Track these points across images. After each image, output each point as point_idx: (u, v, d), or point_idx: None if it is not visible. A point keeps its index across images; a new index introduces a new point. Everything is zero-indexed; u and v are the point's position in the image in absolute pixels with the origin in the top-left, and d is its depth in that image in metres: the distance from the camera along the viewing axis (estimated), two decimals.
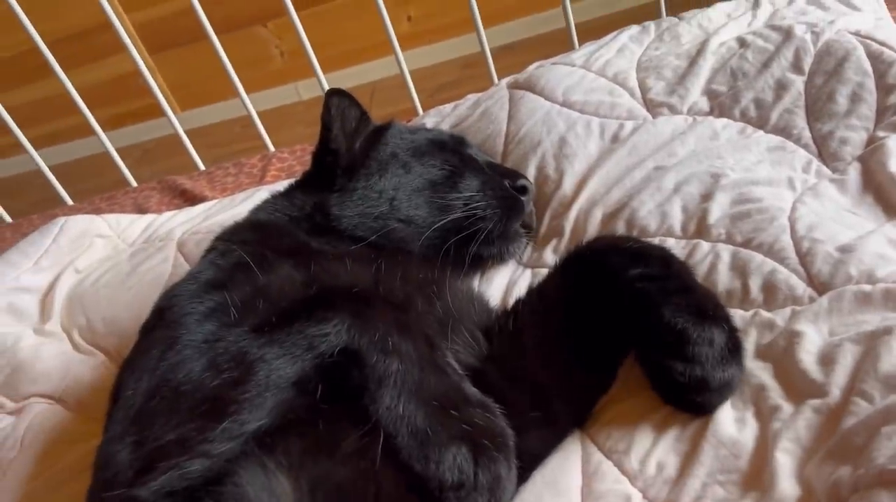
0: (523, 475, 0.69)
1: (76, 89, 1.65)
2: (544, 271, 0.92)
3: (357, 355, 0.66)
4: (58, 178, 1.77)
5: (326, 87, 1.32)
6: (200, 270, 0.84)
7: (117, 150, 1.74)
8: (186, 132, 1.74)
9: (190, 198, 1.42)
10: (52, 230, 1.29)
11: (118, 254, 1.22)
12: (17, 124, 1.69)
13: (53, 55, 1.60)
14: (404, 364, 0.66)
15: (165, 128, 3.34)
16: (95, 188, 1.81)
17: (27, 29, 1.57)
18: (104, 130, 1.72)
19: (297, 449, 0.63)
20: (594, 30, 1.42)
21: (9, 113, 1.68)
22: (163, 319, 0.77)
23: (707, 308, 0.69)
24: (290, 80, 3.20)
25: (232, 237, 0.91)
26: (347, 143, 0.97)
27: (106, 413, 0.79)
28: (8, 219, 1.75)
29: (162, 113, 1.71)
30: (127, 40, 1.59)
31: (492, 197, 0.94)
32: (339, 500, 0.63)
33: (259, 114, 1.68)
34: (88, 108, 1.68)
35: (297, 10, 1.57)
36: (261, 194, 1.17)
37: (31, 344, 1.08)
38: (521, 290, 0.91)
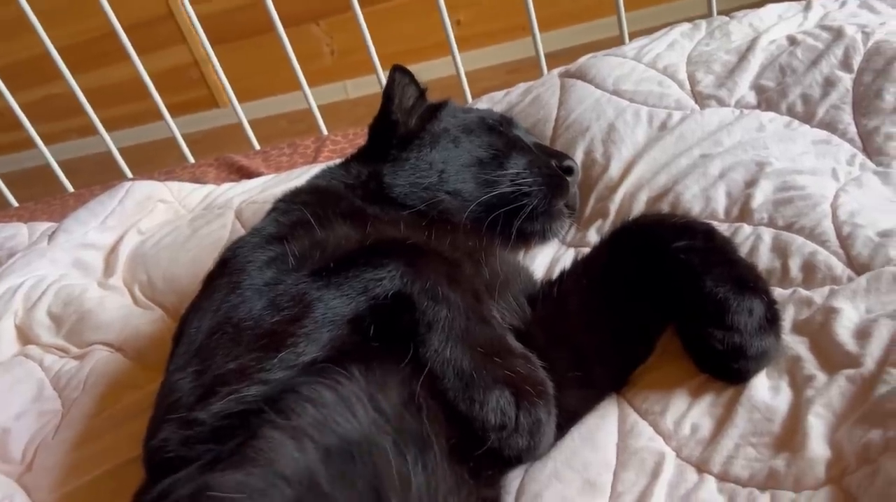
0: (561, 430, 0.72)
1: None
2: (587, 251, 0.95)
3: (409, 300, 0.70)
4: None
5: (381, 82, 1.35)
6: (263, 226, 0.89)
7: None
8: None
9: (246, 174, 1.47)
10: (119, 193, 1.36)
11: (179, 219, 1.28)
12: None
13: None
14: (452, 312, 0.70)
15: (207, 122, 3.44)
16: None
17: (107, 13, 1.62)
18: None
19: (356, 370, 0.67)
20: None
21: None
22: (226, 268, 0.82)
23: (748, 279, 0.71)
24: (339, 78, 3.27)
25: (293, 199, 0.96)
26: (404, 117, 1.02)
27: (169, 353, 0.84)
28: (71, 189, 1.83)
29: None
30: (200, 30, 1.65)
31: (538, 174, 0.97)
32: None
33: (307, 110, 1.71)
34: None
35: (346, 10, 1.61)
36: (316, 170, 1.22)
37: (96, 295, 1.14)
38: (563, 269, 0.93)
